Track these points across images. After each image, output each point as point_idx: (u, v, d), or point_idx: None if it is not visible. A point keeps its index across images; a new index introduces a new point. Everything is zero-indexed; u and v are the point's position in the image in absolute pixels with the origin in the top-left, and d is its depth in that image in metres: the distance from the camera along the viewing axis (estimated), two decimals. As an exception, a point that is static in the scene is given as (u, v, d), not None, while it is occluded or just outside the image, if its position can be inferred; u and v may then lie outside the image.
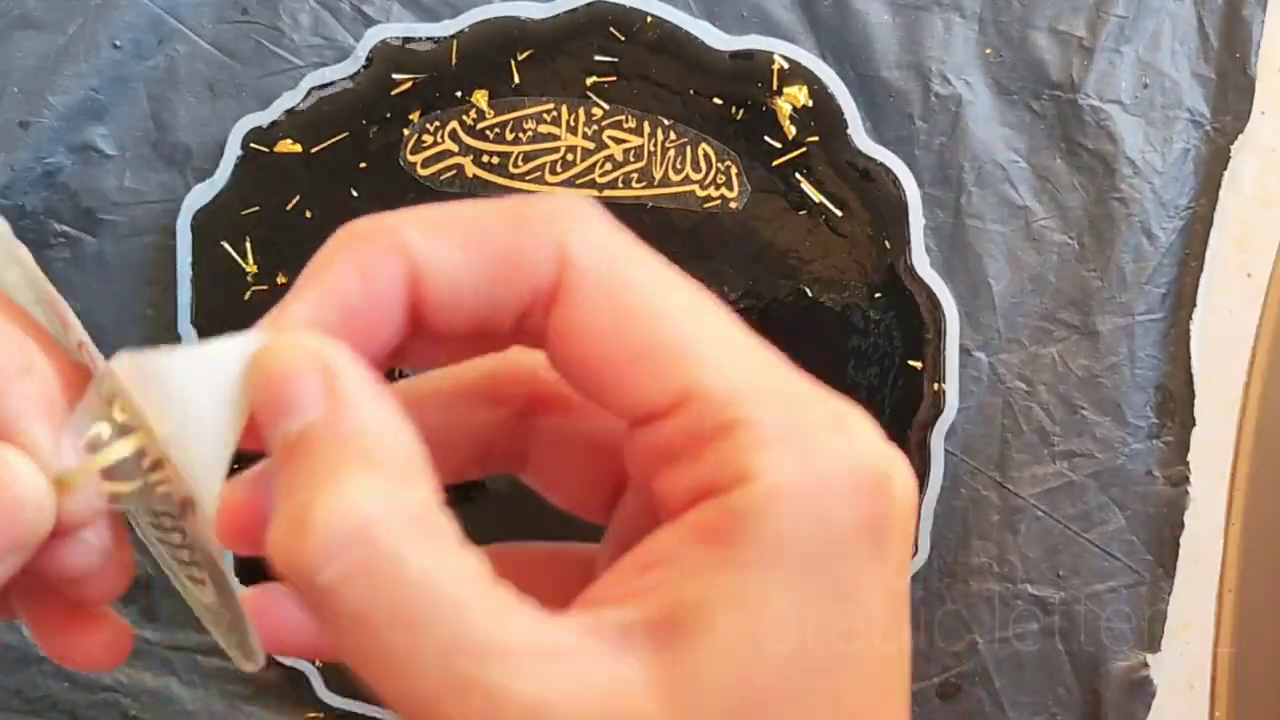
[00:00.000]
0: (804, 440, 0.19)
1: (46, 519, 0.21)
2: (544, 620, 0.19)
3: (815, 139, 0.38)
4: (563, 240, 0.20)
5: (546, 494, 0.23)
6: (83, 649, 0.24)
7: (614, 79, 0.38)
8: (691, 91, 0.38)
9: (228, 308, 0.39)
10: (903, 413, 0.38)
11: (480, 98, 0.38)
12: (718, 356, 0.20)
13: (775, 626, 0.19)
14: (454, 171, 0.38)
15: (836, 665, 0.19)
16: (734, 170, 0.38)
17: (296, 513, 0.18)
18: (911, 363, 0.38)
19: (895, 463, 0.20)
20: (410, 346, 0.21)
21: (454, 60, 0.38)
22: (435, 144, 0.39)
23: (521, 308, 0.20)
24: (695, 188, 0.38)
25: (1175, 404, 0.39)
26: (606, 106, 0.38)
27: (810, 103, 0.38)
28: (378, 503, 0.18)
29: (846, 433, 0.20)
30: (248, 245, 0.39)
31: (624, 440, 0.21)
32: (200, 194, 0.39)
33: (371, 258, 0.20)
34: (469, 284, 0.20)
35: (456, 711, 0.18)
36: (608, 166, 0.38)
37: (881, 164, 0.39)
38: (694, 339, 0.20)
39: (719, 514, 0.19)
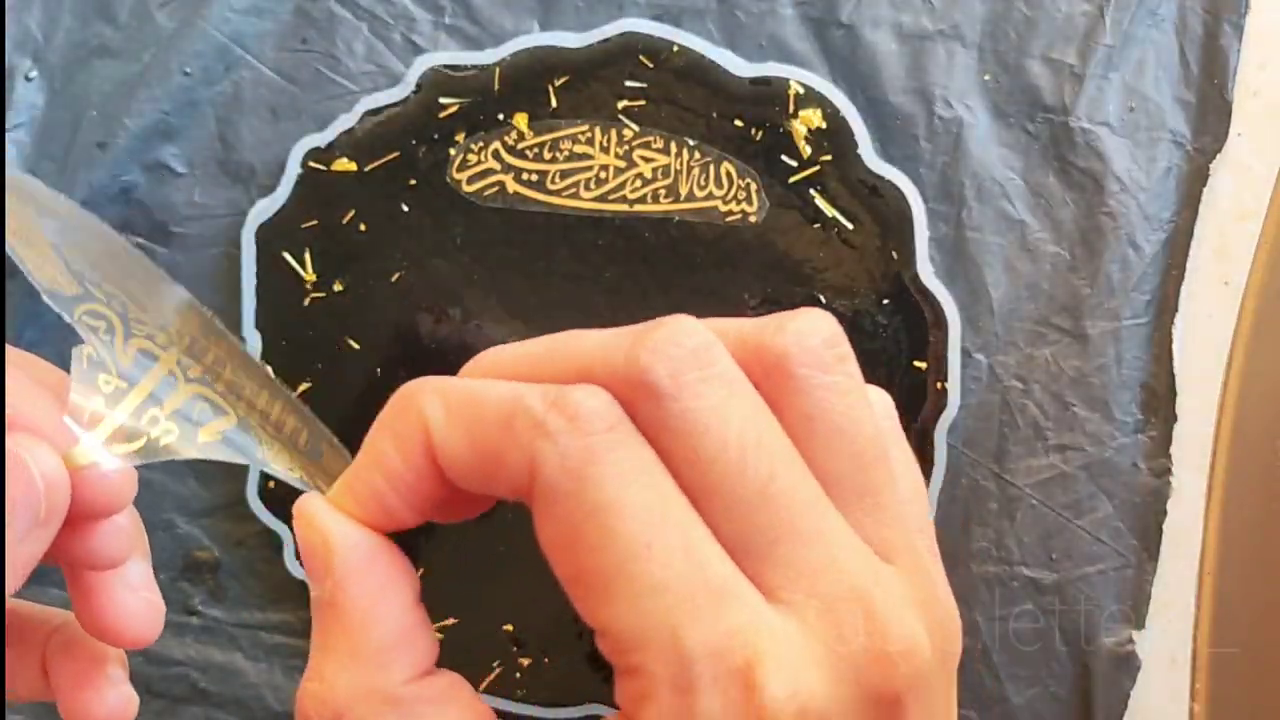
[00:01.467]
0: (683, 696, 0.19)
1: (64, 495, 0.22)
2: None
3: (828, 158, 0.39)
4: (535, 451, 0.20)
5: None
6: (96, 709, 0.25)
7: (643, 103, 0.40)
8: (715, 114, 0.39)
9: (288, 312, 0.40)
10: (909, 409, 0.39)
11: (521, 120, 0.40)
12: (637, 597, 0.19)
13: None
14: (496, 188, 0.40)
15: None
16: (754, 187, 0.39)
17: (305, 679, 0.21)
18: (917, 363, 0.39)
19: (796, 684, 0.19)
20: (452, 500, 0.22)
21: (496, 86, 0.40)
22: (479, 163, 0.40)
23: (515, 495, 0.21)
24: (718, 203, 0.39)
25: (1159, 401, 0.40)
26: (636, 128, 0.40)
27: (824, 125, 0.39)
28: (350, 692, 0.20)
29: (740, 678, 0.19)
30: (307, 255, 0.40)
31: None
32: (263, 209, 0.40)
33: (403, 431, 0.21)
34: (473, 471, 0.21)
35: None
36: (637, 183, 0.40)
37: (889, 181, 0.39)
38: (622, 575, 0.19)
39: None
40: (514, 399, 0.21)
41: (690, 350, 0.20)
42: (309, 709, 0.21)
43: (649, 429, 0.20)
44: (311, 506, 0.22)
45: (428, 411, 0.21)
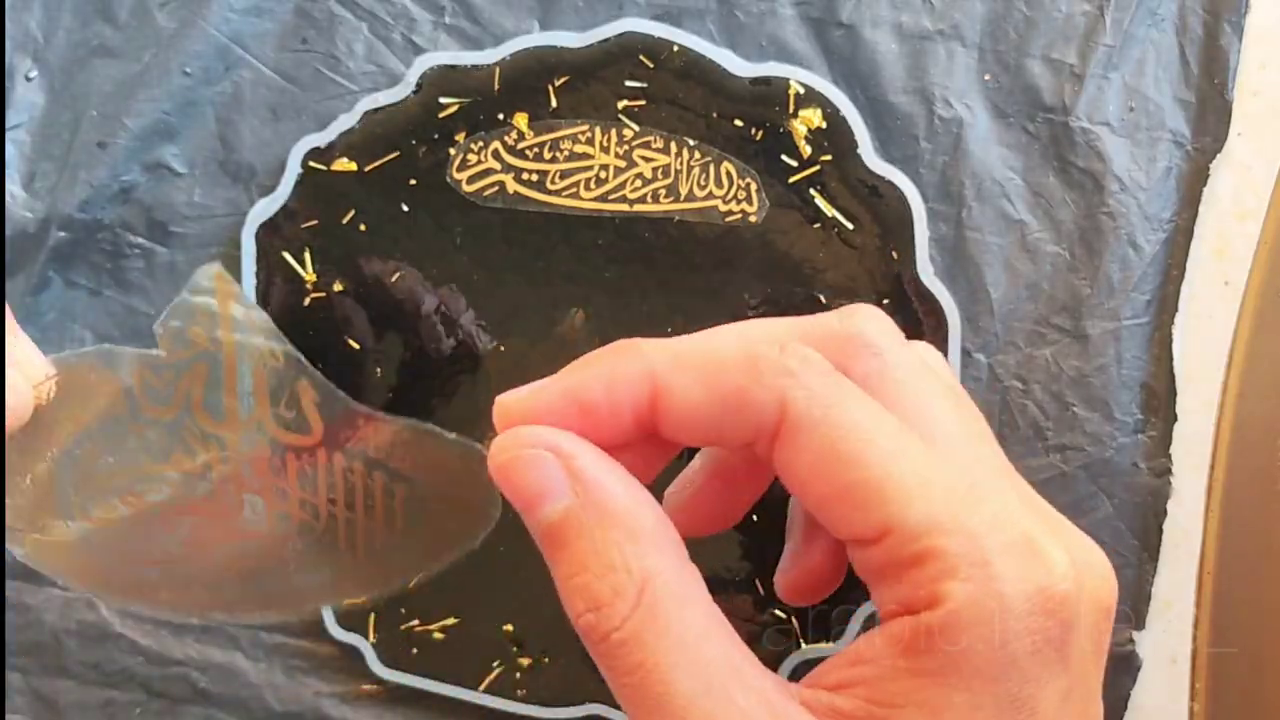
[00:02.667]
0: (984, 569, 0.21)
1: (25, 415, 0.26)
2: (775, 688, 0.22)
3: (828, 158, 0.39)
4: (785, 390, 0.23)
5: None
6: None
7: (643, 103, 0.40)
8: (715, 114, 0.39)
9: (288, 313, 0.40)
10: None
11: (521, 120, 0.40)
12: (911, 493, 0.22)
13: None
14: (496, 188, 0.40)
15: None
16: (754, 187, 0.39)
17: (586, 586, 0.22)
18: None
19: (1082, 578, 0.22)
20: (633, 445, 0.24)
21: (496, 86, 0.40)
22: (479, 162, 0.40)
23: (748, 437, 0.23)
24: (718, 203, 0.40)
25: (1159, 401, 0.40)
26: (636, 128, 0.40)
27: (824, 125, 0.39)
28: (648, 569, 0.22)
29: (1031, 558, 0.22)
30: (307, 255, 0.40)
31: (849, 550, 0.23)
32: (263, 208, 0.40)
33: (622, 373, 0.23)
34: (704, 415, 0.23)
35: None
36: (638, 183, 0.40)
37: (889, 181, 0.39)
38: (890, 479, 0.22)
39: (911, 630, 0.22)
40: (750, 350, 0.23)
41: (885, 320, 0.25)
42: (611, 596, 0.22)
43: (862, 380, 0.24)
44: (522, 431, 0.22)
45: (654, 358, 0.23)
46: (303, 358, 0.28)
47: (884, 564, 0.22)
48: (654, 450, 0.25)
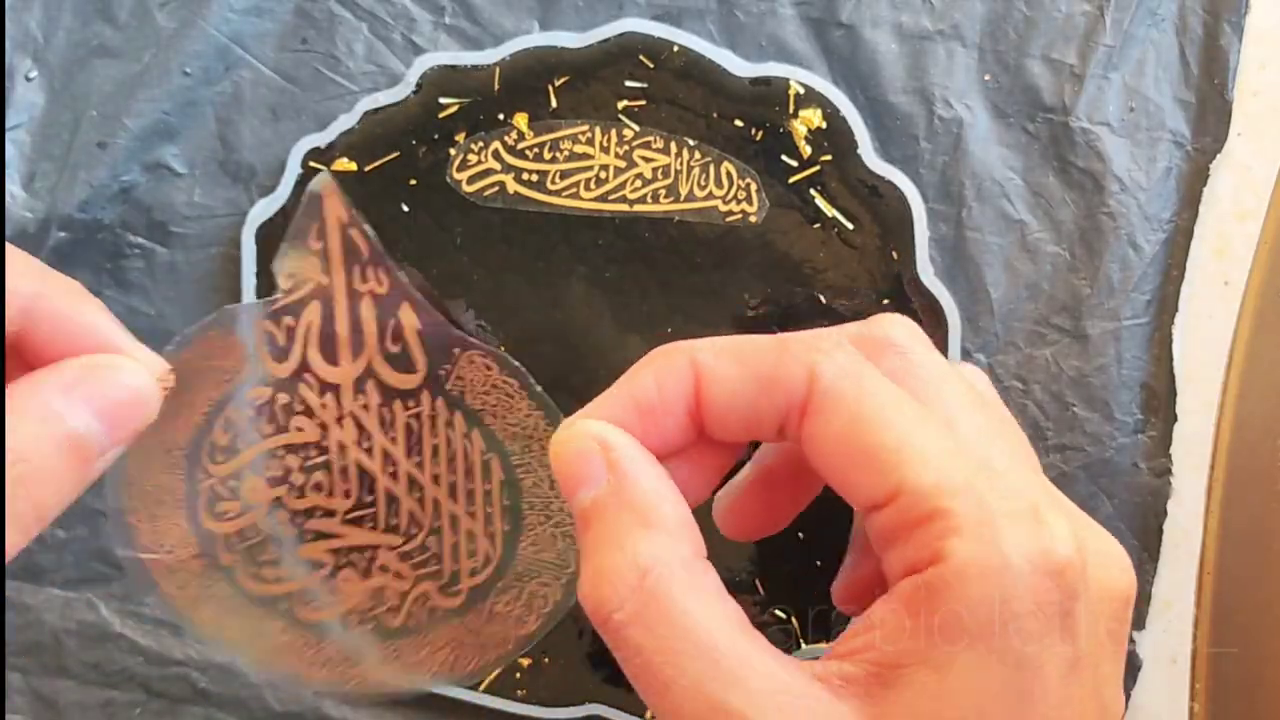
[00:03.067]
0: (990, 530, 0.22)
1: (156, 411, 0.26)
2: (782, 665, 0.23)
3: (828, 158, 0.39)
4: (814, 363, 0.24)
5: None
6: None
7: (643, 103, 0.40)
8: (715, 114, 0.39)
9: None
10: None
11: (521, 120, 0.40)
12: (924, 458, 0.23)
13: (957, 683, 0.22)
14: (496, 188, 0.40)
15: (1014, 713, 0.22)
16: (754, 187, 0.39)
17: (596, 567, 0.23)
18: None
19: (1086, 553, 0.23)
20: (691, 452, 0.26)
21: (497, 86, 0.40)
22: (479, 163, 0.40)
23: (780, 416, 0.24)
24: (718, 203, 0.40)
25: (1159, 401, 0.40)
26: (636, 128, 0.40)
27: (824, 125, 0.39)
28: (654, 556, 0.23)
29: (1035, 524, 0.23)
30: (307, 255, 0.40)
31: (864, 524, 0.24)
32: (263, 208, 0.40)
33: (668, 367, 0.25)
34: (741, 394, 0.25)
35: None
36: (638, 183, 0.40)
37: (889, 181, 0.39)
38: (907, 445, 0.23)
39: (916, 588, 0.23)
40: (783, 338, 0.25)
41: (913, 327, 0.27)
42: (613, 578, 0.23)
43: (888, 374, 0.25)
44: (579, 423, 0.25)
45: (698, 353, 0.25)
46: (403, 276, 0.29)
47: (895, 526, 0.23)
48: (710, 459, 0.26)
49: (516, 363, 0.30)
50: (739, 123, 0.40)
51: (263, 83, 0.41)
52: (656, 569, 0.23)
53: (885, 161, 0.40)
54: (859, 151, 0.40)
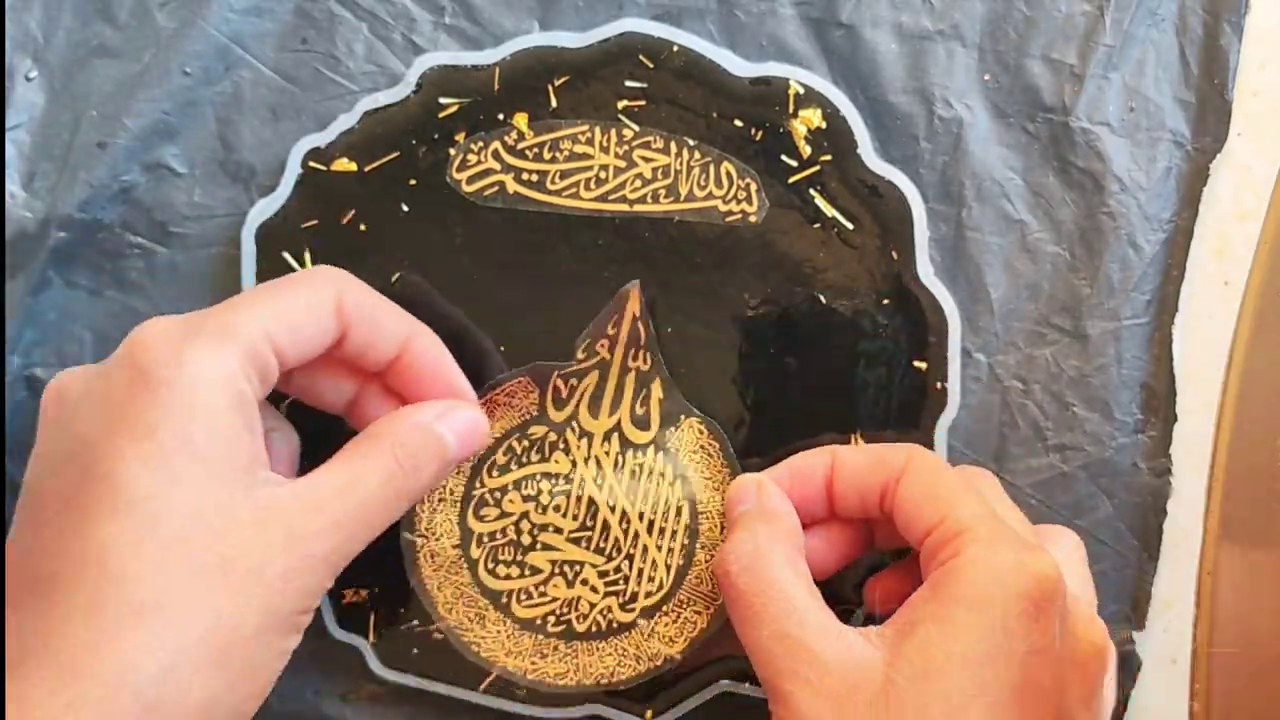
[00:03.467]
0: (996, 545, 0.32)
1: (489, 440, 0.39)
2: (832, 617, 0.33)
3: (828, 158, 0.39)
4: (910, 449, 0.36)
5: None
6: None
7: (643, 103, 0.40)
8: (715, 114, 0.39)
9: None
10: (909, 409, 0.39)
11: (521, 120, 0.40)
12: (964, 503, 0.34)
13: (953, 634, 0.31)
14: (496, 188, 0.40)
15: (990, 669, 0.31)
16: (754, 187, 0.39)
17: (730, 541, 0.36)
18: (917, 363, 0.39)
19: (1056, 569, 0.32)
20: (822, 528, 0.37)
21: (496, 86, 0.40)
22: (479, 163, 0.40)
23: (883, 486, 0.35)
24: (718, 203, 0.40)
25: (1159, 401, 0.40)
26: (636, 128, 0.40)
27: (824, 125, 0.39)
28: (768, 537, 0.35)
29: (1026, 549, 0.32)
30: (307, 255, 0.40)
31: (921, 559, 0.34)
32: (263, 208, 0.40)
33: (816, 451, 0.38)
34: (860, 469, 0.36)
35: (775, 650, 0.33)
36: (637, 183, 0.40)
37: (889, 181, 0.39)
38: (955, 496, 0.34)
39: (939, 573, 0.33)
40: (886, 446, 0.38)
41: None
42: (738, 546, 0.35)
43: None
44: (752, 475, 0.38)
45: (839, 446, 0.38)
46: (664, 362, 0.39)
47: (937, 542, 0.33)
48: (836, 536, 0.38)
49: (721, 429, 0.39)
50: (739, 123, 0.40)
51: (263, 83, 0.41)
52: (766, 545, 0.35)
53: (885, 161, 0.40)
54: (859, 151, 0.40)
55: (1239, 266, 0.41)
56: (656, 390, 0.39)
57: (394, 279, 0.40)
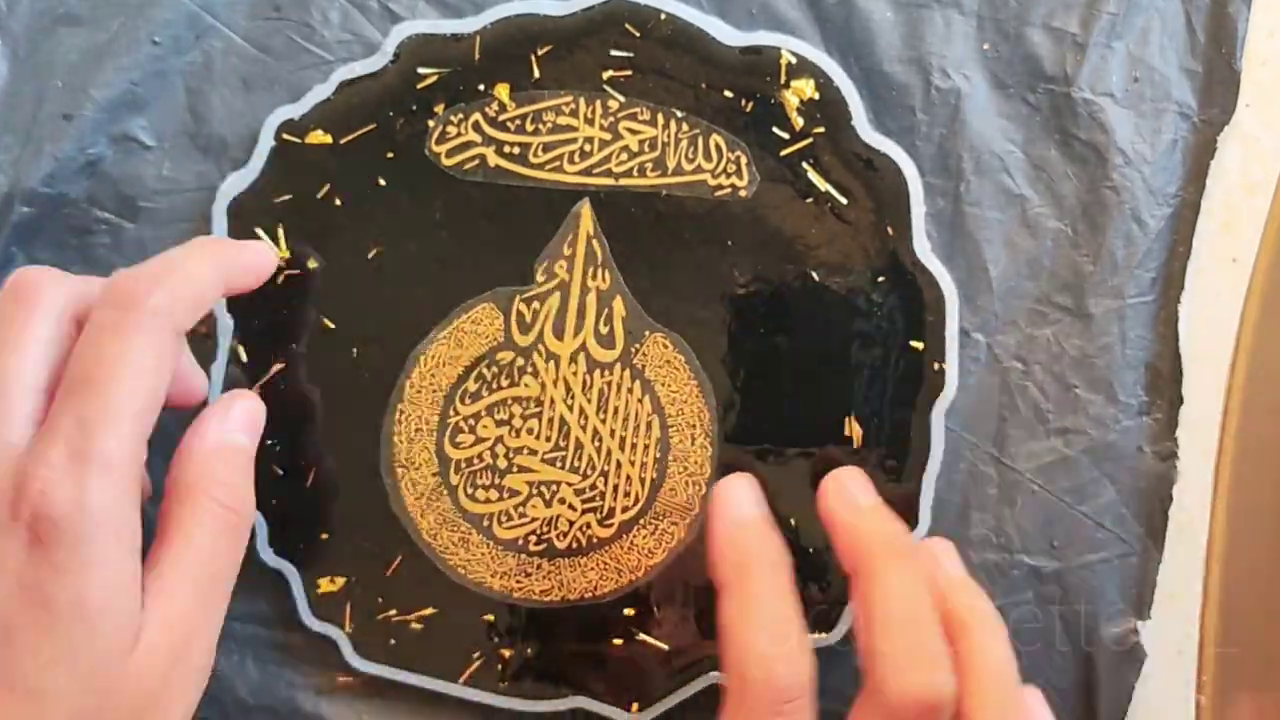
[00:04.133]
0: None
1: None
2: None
3: (821, 130, 0.38)
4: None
5: None
6: None
7: (629, 73, 0.39)
8: (703, 85, 0.38)
9: (260, 291, 0.38)
10: (905, 391, 0.38)
11: (502, 91, 0.39)
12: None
13: None
14: (477, 161, 0.39)
15: None
16: (744, 160, 0.38)
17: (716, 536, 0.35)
18: (913, 343, 0.38)
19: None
20: None
21: (477, 55, 0.39)
22: (459, 135, 0.39)
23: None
24: (707, 176, 0.38)
25: (1164, 382, 0.39)
26: (622, 99, 0.39)
27: (816, 96, 0.38)
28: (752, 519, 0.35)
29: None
30: (280, 231, 0.39)
31: None
32: (235, 182, 0.39)
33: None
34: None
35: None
36: (623, 156, 0.39)
37: (884, 154, 0.38)
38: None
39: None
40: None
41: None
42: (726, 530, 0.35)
43: None
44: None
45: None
46: (619, 276, 0.39)
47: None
48: None
49: (686, 344, 0.39)
50: (728, 93, 0.39)
51: (234, 52, 0.40)
52: (750, 526, 0.35)
53: (880, 134, 0.39)
54: (853, 123, 0.39)
55: (1247, 243, 0.40)
56: (619, 308, 0.39)
57: (371, 255, 0.39)
